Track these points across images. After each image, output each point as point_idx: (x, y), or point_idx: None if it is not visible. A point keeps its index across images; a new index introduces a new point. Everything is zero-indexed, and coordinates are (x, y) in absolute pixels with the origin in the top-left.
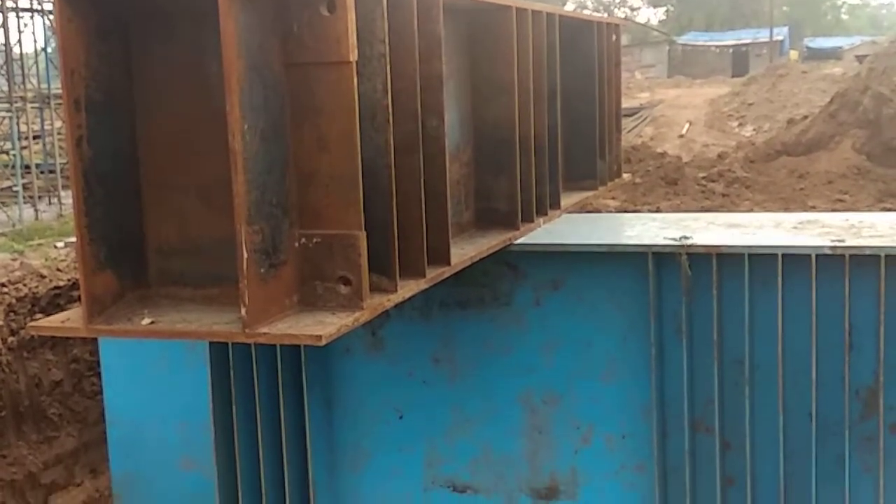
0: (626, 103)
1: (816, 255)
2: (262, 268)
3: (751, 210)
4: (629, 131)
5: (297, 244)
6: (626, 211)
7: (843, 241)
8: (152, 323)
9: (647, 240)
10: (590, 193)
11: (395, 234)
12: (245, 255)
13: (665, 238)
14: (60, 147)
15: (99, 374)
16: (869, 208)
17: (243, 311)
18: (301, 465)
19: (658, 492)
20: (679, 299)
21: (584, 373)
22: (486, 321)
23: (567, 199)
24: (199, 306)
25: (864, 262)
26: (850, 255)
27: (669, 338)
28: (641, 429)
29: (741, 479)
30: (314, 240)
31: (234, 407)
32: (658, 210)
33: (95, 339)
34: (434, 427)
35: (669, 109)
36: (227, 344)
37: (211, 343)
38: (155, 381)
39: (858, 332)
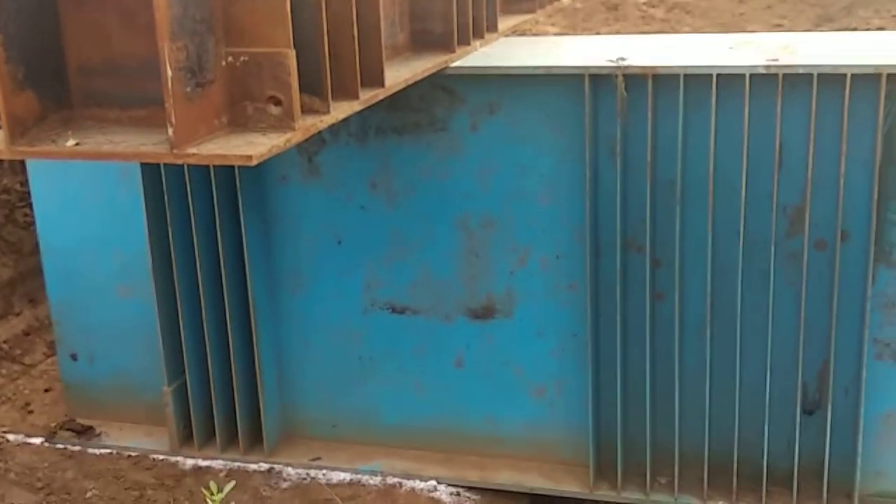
0: None
1: (750, 75)
2: (188, 87)
3: None
4: None
5: (224, 63)
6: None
7: (777, 60)
8: (77, 144)
9: (583, 62)
10: (528, 16)
11: (327, 54)
12: (169, 74)
13: (601, 60)
14: None
15: (31, 205)
16: (807, 31)
17: (170, 131)
18: (241, 290)
19: (590, 309)
20: (614, 121)
21: (520, 196)
22: (422, 146)
23: (505, 22)
24: (126, 128)
25: (797, 82)
26: (784, 75)
27: (604, 160)
28: (575, 249)
29: (670, 294)
30: (242, 58)
31: (169, 234)
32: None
33: (25, 169)
34: (372, 251)
35: None
36: (159, 169)
37: (143, 169)
38: (87, 210)
39: (788, 151)
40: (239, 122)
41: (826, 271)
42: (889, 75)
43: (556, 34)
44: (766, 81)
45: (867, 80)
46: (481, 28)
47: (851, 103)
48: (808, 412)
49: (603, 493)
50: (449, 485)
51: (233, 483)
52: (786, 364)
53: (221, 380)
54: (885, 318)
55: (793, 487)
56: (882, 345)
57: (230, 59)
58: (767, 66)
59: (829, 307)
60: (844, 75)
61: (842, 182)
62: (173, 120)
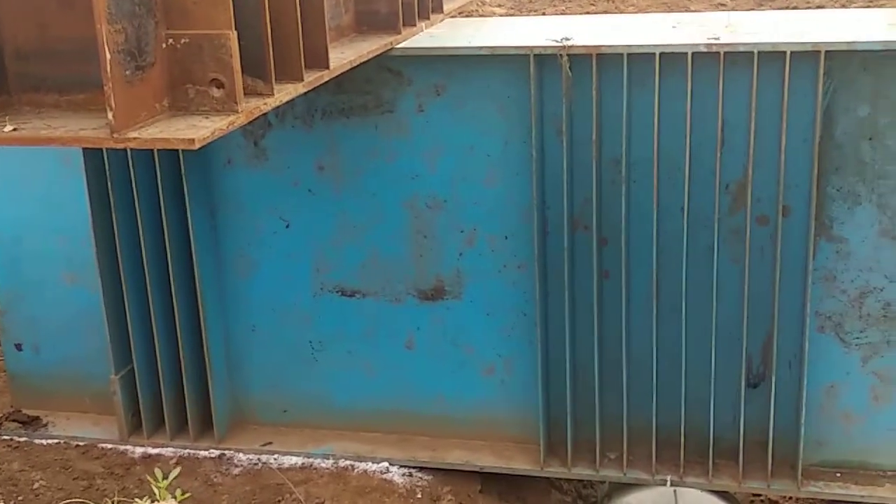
0: None
1: (692, 54)
2: (128, 70)
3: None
4: None
5: (164, 45)
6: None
7: (718, 38)
8: (14, 130)
9: (528, 42)
10: None
11: (269, 36)
12: (108, 57)
13: (546, 40)
14: None
15: None
16: (749, 11)
17: (110, 115)
18: (188, 275)
19: (539, 288)
20: (559, 101)
21: (468, 177)
22: (369, 128)
23: (450, 4)
24: (65, 112)
25: (738, 60)
26: (725, 53)
27: (550, 139)
28: (523, 229)
29: (616, 272)
30: (182, 40)
31: (114, 219)
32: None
33: None
34: (321, 234)
35: None
36: (102, 155)
37: (85, 154)
38: (30, 197)
39: (730, 129)
40: (181, 106)
41: (768, 246)
42: (827, 52)
43: (502, 15)
44: (708, 60)
45: (806, 57)
46: (426, 9)
47: (791, 81)
48: (752, 385)
49: (554, 469)
50: (401, 466)
51: (178, 469)
52: (730, 338)
53: (170, 367)
54: (826, 292)
55: (739, 459)
56: (823, 318)
57: (171, 41)
58: (709, 45)
59: (771, 282)
60: (784, 53)
61: (783, 158)
62: (113, 104)
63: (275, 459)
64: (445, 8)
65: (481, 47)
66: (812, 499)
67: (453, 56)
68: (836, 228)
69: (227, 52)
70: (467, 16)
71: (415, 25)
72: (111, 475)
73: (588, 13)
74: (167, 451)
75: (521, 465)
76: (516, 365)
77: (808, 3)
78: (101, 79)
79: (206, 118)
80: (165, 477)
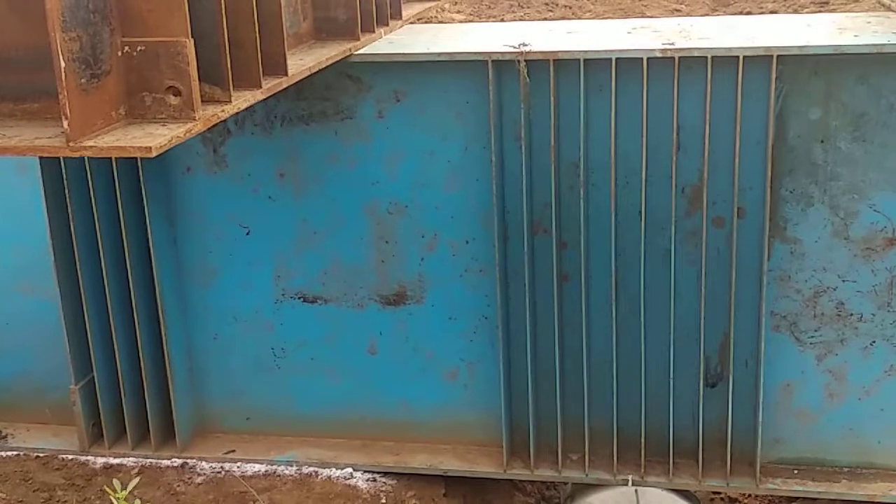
0: None
1: (648, 59)
2: (83, 78)
3: None
4: None
5: (120, 53)
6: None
7: (673, 43)
8: None
9: (486, 48)
10: (432, 3)
11: (227, 42)
12: (63, 65)
13: (504, 46)
14: None
15: None
16: (704, 16)
17: (66, 123)
18: (148, 284)
19: (500, 292)
20: (518, 106)
21: (428, 182)
22: (329, 135)
23: (409, 10)
24: (20, 121)
25: (692, 64)
26: (680, 58)
27: (509, 145)
28: (484, 234)
29: (576, 275)
30: (138, 48)
31: (72, 228)
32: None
33: None
34: (282, 241)
35: None
36: (59, 163)
37: (42, 163)
38: None
39: (686, 133)
40: (137, 114)
41: (724, 248)
42: (779, 57)
43: (461, 21)
44: (663, 65)
45: (759, 61)
46: (385, 15)
47: (744, 85)
48: (710, 385)
49: (517, 472)
50: (365, 471)
51: (138, 479)
52: (688, 339)
53: (131, 376)
54: (781, 292)
55: (698, 458)
56: (779, 317)
57: (126, 49)
58: (664, 50)
59: (728, 283)
60: (737, 58)
61: (737, 161)
62: (68, 112)
63: (238, 467)
64: (404, 14)
65: (440, 53)
66: (770, 496)
67: (412, 62)
68: (789, 230)
69: (184, 59)
70: (426, 22)
71: (374, 32)
72: (72, 486)
73: (546, 19)
74: (129, 461)
75: (484, 468)
76: (479, 369)
77: (762, 8)
78: (57, 87)
79: (164, 126)
80: (124, 487)
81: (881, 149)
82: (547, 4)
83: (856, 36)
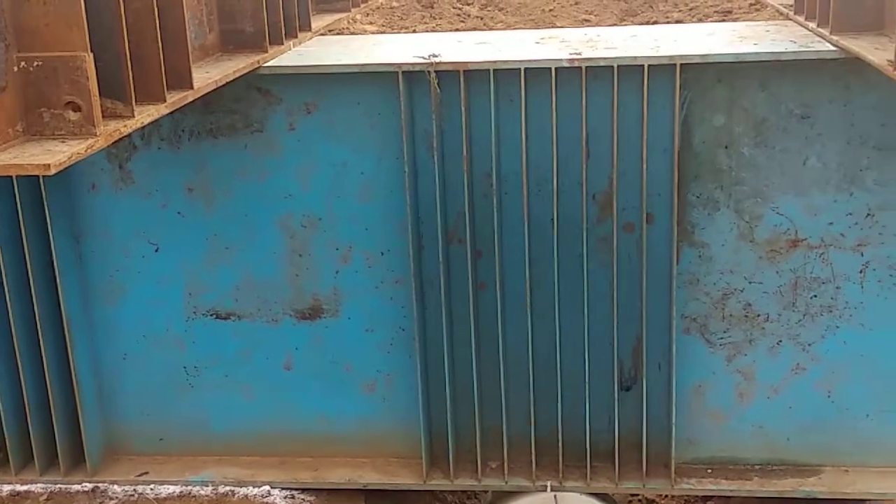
0: None
1: (556, 68)
2: None
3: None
4: None
5: (16, 69)
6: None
7: (580, 53)
8: None
9: (397, 59)
10: (342, 15)
11: (128, 56)
12: None
13: (415, 56)
14: None
15: None
16: (612, 26)
17: None
18: (53, 304)
19: (416, 302)
20: (430, 117)
21: (342, 194)
22: (239, 148)
23: (319, 21)
24: None
25: (599, 74)
26: (587, 67)
27: (422, 155)
28: (399, 245)
29: (491, 283)
30: (35, 63)
31: None
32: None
33: None
34: (193, 257)
35: None
36: None
37: None
38: None
39: (595, 141)
40: (35, 130)
41: (635, 253)
42: (683, 65)
43: (373, 33)
44: (571, 74)
45: (663, 70)
46: (294, 27)
47: (650, 93)
48: (625, 388)
49: (437, 482)
50: (283, 488)
51: None
52: (602, 344)
53: (36, 399)
54: (691, 295)
55: (615, 461)
56: (689, 320)
57: (23, 64)
58: (571, 60)
59: (639, 287)
60: (642, 66)
61: (645, 168)
62: None
63: (151, 489)
64: (314, 26)
65: (350, 65)
66: (686, 496)
67: (323, 74)
68: (697, 234)
69: (83, 74)
70: (338, 33)
71: (282, 44)
72: None
73: (458, 30)
74: (37, 488)
75: (404, 479)
76: (397, 380)
77: (668, 18)
78: None
79: (63, 142)
80: None
81: (782, 153)
82: (459, 16)
83: (755, 44)
